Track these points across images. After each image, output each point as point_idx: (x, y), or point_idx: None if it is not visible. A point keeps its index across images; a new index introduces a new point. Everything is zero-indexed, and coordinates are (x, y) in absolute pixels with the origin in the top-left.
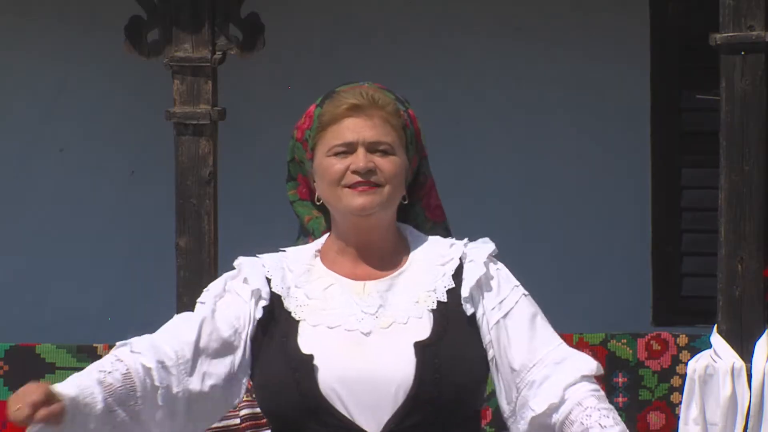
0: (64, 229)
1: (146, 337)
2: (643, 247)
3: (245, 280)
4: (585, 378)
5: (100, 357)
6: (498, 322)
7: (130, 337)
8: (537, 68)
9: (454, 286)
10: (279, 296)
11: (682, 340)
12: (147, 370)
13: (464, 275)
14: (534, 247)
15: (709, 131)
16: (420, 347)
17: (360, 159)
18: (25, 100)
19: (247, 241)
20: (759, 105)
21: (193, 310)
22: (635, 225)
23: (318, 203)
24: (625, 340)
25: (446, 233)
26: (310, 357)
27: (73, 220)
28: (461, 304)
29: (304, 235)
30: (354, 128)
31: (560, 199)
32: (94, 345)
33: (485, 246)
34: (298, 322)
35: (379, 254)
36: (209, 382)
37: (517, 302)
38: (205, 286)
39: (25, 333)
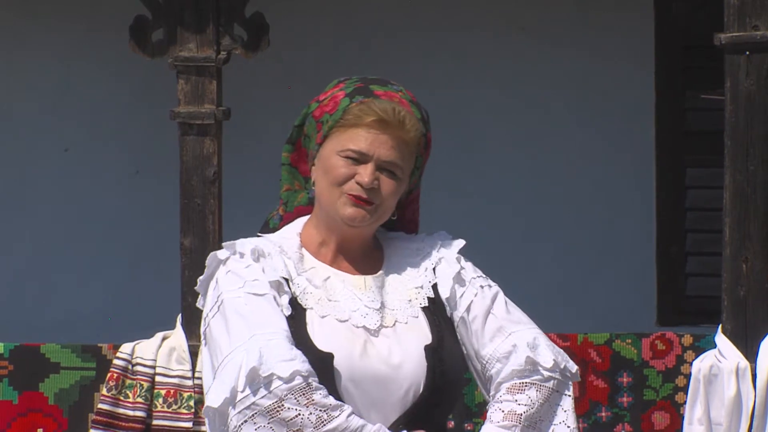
0: (68, 229)
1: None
2: (647, 247)
3: (263, 271)
4: (516, 374)
5: (104, 357)
6: (461, 318)
7: (134, 338)
8: (541, 68)
9: (437, 281)
10: (288, 280)
11: (687, 339)
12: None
13: (438, 273)
14: (538, 247)
15: (713, 131)
16: (430, 351)
17: (368, 174)
18: (29, 100)
19: None
20: (764, 105)
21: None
22: (639, 225)
23: (312, 187)
24: (629, 340)
25: None
26: (330, 356)
27: (77, 219)
28: (443, 303)
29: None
30: (374, 142)
31: (564, 199)
32: (99, 345)
33: (455, 242)
34: (305, 310)
35: (358, 251)
36: None
37: (475, 295)
38: None
39: (29, 332)
